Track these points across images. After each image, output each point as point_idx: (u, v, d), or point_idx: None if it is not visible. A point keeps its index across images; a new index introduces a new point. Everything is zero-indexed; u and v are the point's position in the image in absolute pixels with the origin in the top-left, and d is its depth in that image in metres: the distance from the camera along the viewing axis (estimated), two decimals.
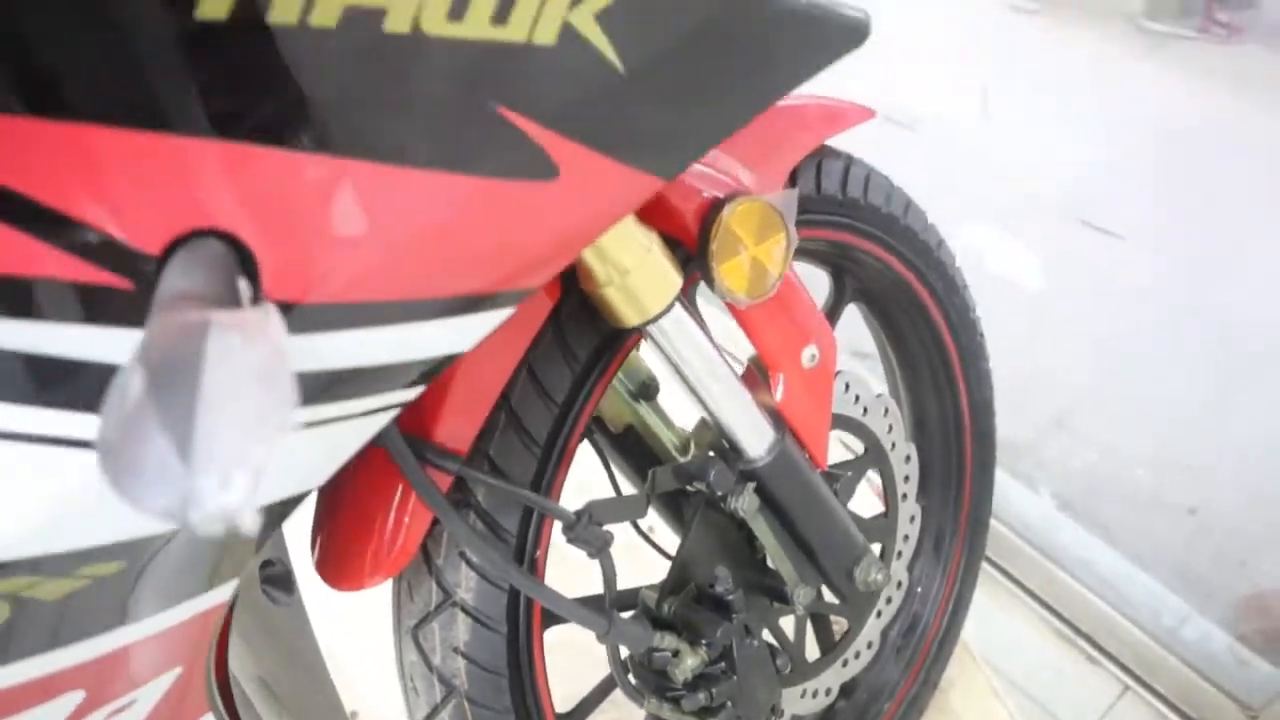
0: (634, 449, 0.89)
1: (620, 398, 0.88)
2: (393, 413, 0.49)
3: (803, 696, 0.92)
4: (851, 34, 0.51)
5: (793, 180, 0.79)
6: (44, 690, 0.46)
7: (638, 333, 0.68)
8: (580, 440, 0.72)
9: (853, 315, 0.98)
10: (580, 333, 0.69)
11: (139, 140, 0.33)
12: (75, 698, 0.49)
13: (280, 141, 0.36)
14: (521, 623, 0.71)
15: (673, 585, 0.79)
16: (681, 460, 0.86)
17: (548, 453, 0.69)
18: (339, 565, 0.67)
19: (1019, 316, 1.89)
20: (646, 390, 0.89)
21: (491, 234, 0.43)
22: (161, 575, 0.47)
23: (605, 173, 0.44)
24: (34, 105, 0.31)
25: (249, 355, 0.28)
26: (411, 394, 0.48)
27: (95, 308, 0.36)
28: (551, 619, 0.75)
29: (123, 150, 0.33)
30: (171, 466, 0.26)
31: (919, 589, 1.09)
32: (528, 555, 0.70)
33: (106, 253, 0.34)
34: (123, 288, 0.35)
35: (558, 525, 0.69)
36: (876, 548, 0.91)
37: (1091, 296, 2.04)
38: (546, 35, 0.39)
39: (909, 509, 0.97)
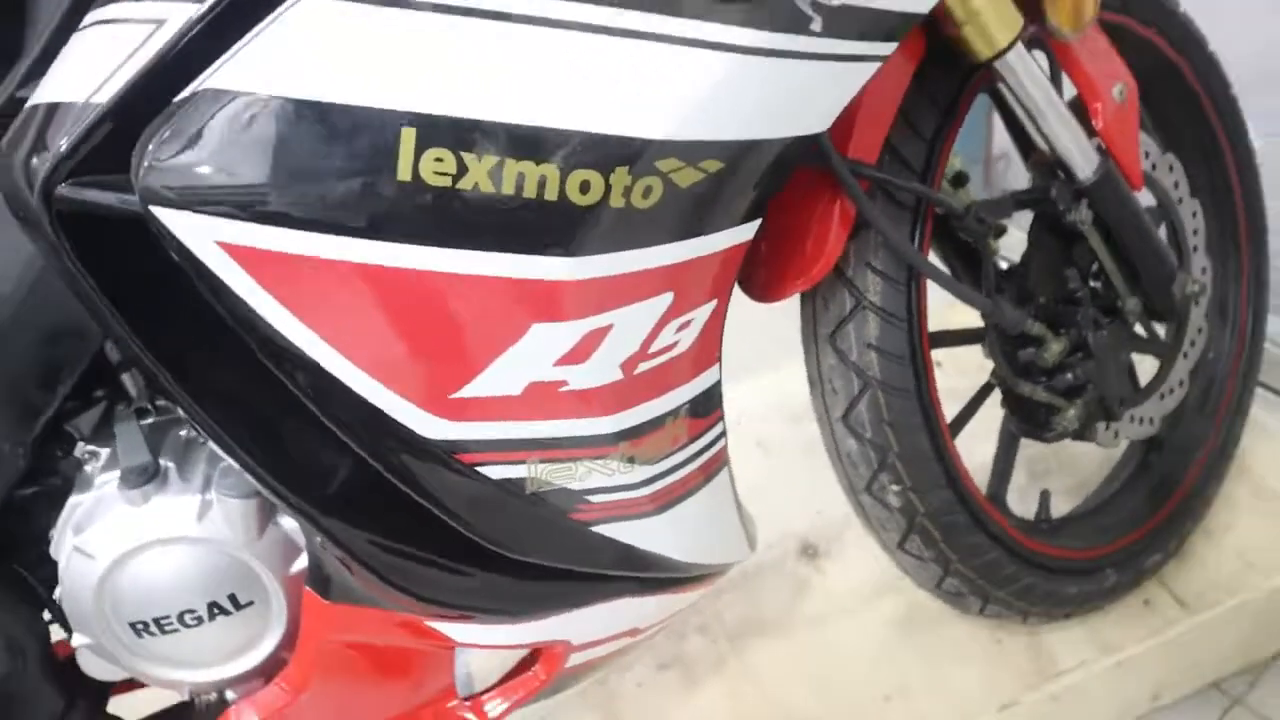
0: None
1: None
2: (875, 66, 0.68)
3: (1130, 421, 1.05)
4: None
5: None
6: (659, 283, 0.66)
7: (986, 71, 0.86)
8: (943, 171, 0.90)
9: None
10: (938, 79, 0.87)
11: None
12: (666, 300, 0.68)
13: None
14: (915, 316, 0.89)
15: (1018, 300, 0.95)
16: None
17: (922, 178, 0.88)
18: (767, 278, 0.85)
19: None
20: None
21: None
22: (730, 191, 0.66)
23: None
24: None
25: None
26: (888, 49, 0.68)
27: None
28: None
29: None
30: None
31: (1211, 354, 1.21)
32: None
33: None
34: None
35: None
36: None
37: None
38: None
39: (1199, 261, 1.10)
